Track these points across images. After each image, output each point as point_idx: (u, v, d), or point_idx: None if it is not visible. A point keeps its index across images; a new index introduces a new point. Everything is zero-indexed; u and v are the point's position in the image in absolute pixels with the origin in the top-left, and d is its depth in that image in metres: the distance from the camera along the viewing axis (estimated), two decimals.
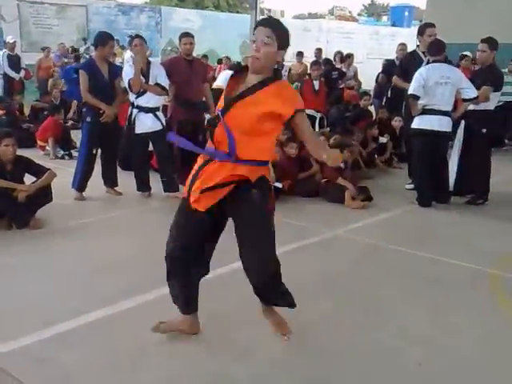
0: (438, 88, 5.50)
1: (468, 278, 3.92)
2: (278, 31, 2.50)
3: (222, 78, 8.89)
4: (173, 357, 2.76)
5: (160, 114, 5.74)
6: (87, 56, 12.85)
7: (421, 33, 6.35)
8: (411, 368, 2.72)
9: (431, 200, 5.76)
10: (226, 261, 3.61)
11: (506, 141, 9.53)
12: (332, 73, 10.12)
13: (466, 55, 9.02)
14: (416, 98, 5.56)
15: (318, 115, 7.97)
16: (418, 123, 5.67)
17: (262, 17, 18.88)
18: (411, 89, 5.59)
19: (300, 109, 2.54)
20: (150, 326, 2.91)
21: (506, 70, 9.04)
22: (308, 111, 7.89)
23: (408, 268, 4.07)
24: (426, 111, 5.59)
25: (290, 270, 2.94)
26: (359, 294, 3.56)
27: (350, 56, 11.35)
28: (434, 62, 5.67)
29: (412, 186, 6.22)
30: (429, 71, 5.59)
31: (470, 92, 5.55)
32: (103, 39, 5.53)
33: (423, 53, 6.16)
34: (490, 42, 5.81)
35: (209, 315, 3.02)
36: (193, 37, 6.10)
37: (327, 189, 5.88)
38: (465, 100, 5.62)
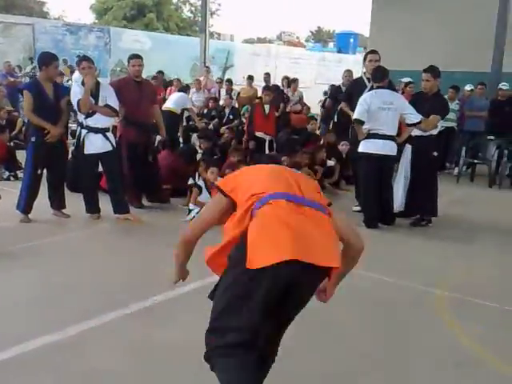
0: (381, 113, 5.69)
1: (414, 298, 4.04)
2: None
3: (174, 100, 8.95)
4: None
5: (110, 134, 5.67)
6: (33, 75, 12.57)
7: (364, 59, 6.63)
8: None
9: (377, 221, 5.92)
10: None
11: (447, 164, 9.93)
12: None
13: (411, 82, 9.39)
14: (361, 122, 5.74)
15: (268, 138, 8.10)
16: (363, 147, 5.85)
17: (210, 41, 19.11)
18: (356, 114, 5.77)
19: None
20: (96, 352, 2.84)
21: (446, 96, 9.47)
22: (258, 134, 8.09)
23: (355, 288, 4.14)
24: (370, 135, 5.76)
25: None
26: (304, 315, 3.59)
27: (295, 81, 11.62)
28: (377, 88, 5.90)
29: (359, 208, 6.38)
30: (372, 97, 5.79)
31: (413, 117, 5.76)
32: (47, 60, 5.43)
33: (368, 79, 6.39)
34: (433, 70, 6.05)
35: None
36: (142, 58, 6.13)
37: None
38: (409, 125, 5.85)
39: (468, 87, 10.11)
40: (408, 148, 6.12)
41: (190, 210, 5.84)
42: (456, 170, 9.28)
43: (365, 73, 6.69)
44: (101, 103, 5.53)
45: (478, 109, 9.75)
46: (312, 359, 3.01)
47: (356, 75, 9.15)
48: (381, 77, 5.93)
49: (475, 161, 9.24)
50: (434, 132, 6.11)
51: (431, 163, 6.10)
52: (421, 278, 4.37)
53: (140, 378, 2.76)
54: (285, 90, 11.16)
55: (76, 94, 5.49)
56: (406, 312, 3.74)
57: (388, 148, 5.75)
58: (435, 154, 6.07)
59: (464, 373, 2.96)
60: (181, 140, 9.85)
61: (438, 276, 4.45)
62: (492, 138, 9.09)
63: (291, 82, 11.53)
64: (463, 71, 10.50)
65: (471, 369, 3.00)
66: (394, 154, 5.83)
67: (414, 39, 13.12)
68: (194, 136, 10.90)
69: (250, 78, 12.89)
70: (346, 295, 3.97)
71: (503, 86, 9.67)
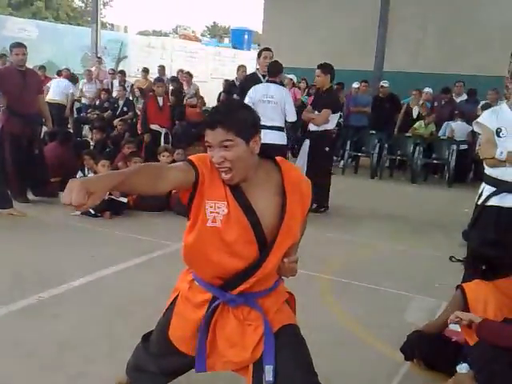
0: (260, 105, 5.89)
1: (299, 283, 4.24)
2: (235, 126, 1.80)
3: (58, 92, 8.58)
4: None
5: None
6: None
7: (258, 55, 6.82)
8: None
9: None
10: None
11: (334, 157, 10.44)
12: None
13: (304, 78, 9.81)
14: None
15: (164, 130, 8.05)
16: None
17: (103, 31, 18.51)
18: None
19: None
20: None
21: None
22: (153, 126, 8.01)
23: None
24: None
25: (133, 286, 2.95)
26: None
27: (190, 75, 11.65)
28: (269, 81, 6.14)
29: None
30: (255, 90, 6.09)
31: (289, 116, 6.13)
32: None
33: (263, 75, 6.59)
34: (324, 67, 6.36)
35: None
36: (25, 47, 5.87)
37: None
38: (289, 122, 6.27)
39: (355, 84, 10.67)
40: (306, 141, 6.45)
41: None
42: (342, 163, 9.80)
43: (258, 69, 6.88)
44: None
45: (361, 105, 10.35)
46: None
47: (250, 71, 9.34)
48: (276, 71, 6.20)
49: (359, 154, 9.83)
50: (329, 127, 6.41)
51: (324, 157, 6.42)
52: (307, 264, 4.58)
53: (16, 378, 2.68)
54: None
55: None
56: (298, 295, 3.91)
57: (269, 137, 6.00)
58: (326, 149, 6.39)
59: (344, 351, 3.17)
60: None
61: (323, 262, 4.70)
62: (374, 132, 9.71)
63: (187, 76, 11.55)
64: (349, 69, 11.06)
65: (350, 347, 3.22)
66: (278, 142, 5.97)
67: (303, 38, 13.60)
68: (86, 128, 10.59)
69: (146, 70, 12.74)
70: None
71: (384, 83, 10.33)
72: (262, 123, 6.39)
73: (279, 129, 6.08)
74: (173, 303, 2.08)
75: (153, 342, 2.20)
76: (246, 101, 5.88)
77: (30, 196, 6.12)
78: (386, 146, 9.42)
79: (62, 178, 6.51)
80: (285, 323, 1.96)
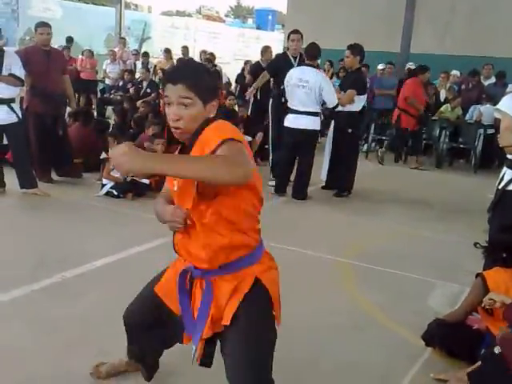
0: (295, 89, 5.96)
1: (320, 266, 4.22)
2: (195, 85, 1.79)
3: None
4: None
5: (15, 105, 5.41)
6: None
7: (288, 38, 6.78)
8: None
9: (284, 188, 6.27)
10: None
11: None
12: None
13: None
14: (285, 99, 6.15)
15: None
16: (284, 121, 6.18)
17: (126, 11, 18.49)
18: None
19: None
20: None
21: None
22: None
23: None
24: (289, 110, 6.08)
25: (155, 266, 2.96)
26: None
27: (213, 56, 11.58)
28: (306, 65, 6.11)
29: (274, 182, 6.54)
30: (289, 74, 6.05)
31: (328, 102, 6.08)
32: None
33: (293, 57, 6.52)
34: (354, 48, 6.27)
35: None
36: (50, 27, 5.89)
37: None
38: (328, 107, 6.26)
39: (380, 66, 10.49)
40: (332, 123, 6.43)
41: (102, 185, 5.73)
42: (365, 147, 9.66)
43: (288, 50, 6.79)
44: (5, 72, 5.25)
45: (387, 87, 10.18)
46: None
47: (274, 52, 9.20)
48: (313, 55, 6.17)
49: (383, 137, 9.67)
50: (355, 108, 6.32)
51: (348, 139, 6.35)
52: (328, 247, 4.56)
53: (45, 353, 2.72)
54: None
55: None
56: (311, 279, 3.89)
57: (299, 122, 5.99)
58: (349, 130, 6.32)
59: (364, 336, 3.16)
60: (95, 113, 9.58)
61: (345, 246, 4.67)
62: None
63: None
64: (374, 51, 10.86)
65: (370, 332, 3.20)
66: (308, 128, 6.01)
67: (328, 18, 13.39)
68: (109, 109, 10.65)
69: (168, 51, 12.68)
70: None
71: (410, 65, 10.13)
72: (295, 108, 6.46)
73: (312, 114, 6.03)
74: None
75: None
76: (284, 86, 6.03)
77: (54, 176, 6.19)
78: None
79: (85, 159, 6.57)
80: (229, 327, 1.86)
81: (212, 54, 11.68)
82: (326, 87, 6.00)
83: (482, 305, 2.71)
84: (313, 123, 6.05)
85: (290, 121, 6.05)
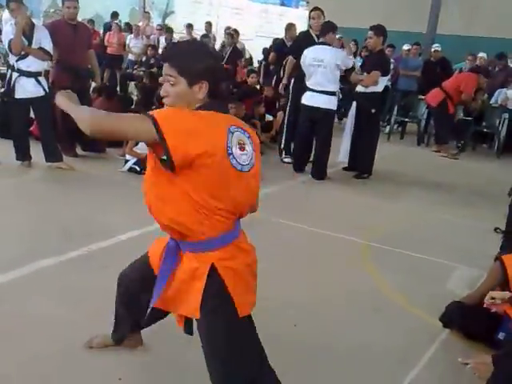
0: (310, 69, 6.01)
1: (339, 247, 4.26)
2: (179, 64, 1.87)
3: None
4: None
5: (42, 79, 5.48)
6: None
7: (309, 16, 6.71)
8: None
9: (304, 165, 6.34)
10: None
11: (380, 122, 10.22)
12: None
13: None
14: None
15: None
16: (302, 99, 6.20)
17: None
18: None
19: None
20: (29, 297, 2.85)
21: None
22: None
23: (279, 236, 4.28)
24: (306, 88, 6.10)
25: None
26: None
27: (237, 32, 11.50)
28: (320, 43, 6.08)
29: (289, 159, 6.66)
30: (304, 54, 6.08)
31: (345, 66, 6.13)
32: None
33: (316, 35, 6.46)
34: (376, 28, 6.21)
35: None
36: (77, 0, 5.87)
37: None
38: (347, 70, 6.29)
39: (406, 47, 10.33)
40: (354, 104, 6.38)
41: (126, 161, 5.80)
42: (387, 128, 9.59)
43: (311, 27, 6.74)
44: (34, 46, 5.31)
45: (411, 68, 10.04)
46: None
47: (299, 30, 9.11)
48: (325, 31, 6.12)
49: (406, 119, 9.57)
50: (377, 89, 6.29)
51: (370, 120, 6.32)
52: (347, 228, 4.59)
53: (75, 322, 2.81)
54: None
55: (8, 33, 5.25)
56: (330, 260, 3.93)
57: (317, 101, 6.01)
58: (373, 110, 6.28)
59: (382, 317, 3.20)
60: (118, 88, 9.62)
61: (365, 228, 4.69)
62: (423, 97, 9.36)
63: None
64: (399, 31, 10.69)
65: (388, 313, 3.24)
66: (326, 107, 6.01)
67: None
68: (132, 85, 10.68)
69: (190, 26, 12.63)
70: (269, 243, 4.07)
71: (437, 47, 9.97)
72: (312, 87, 6.45)
73: (328, 93, 6.03)
74: None
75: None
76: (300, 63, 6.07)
77: (79, 151, 6.28)
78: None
79: None
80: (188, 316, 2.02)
81: (236, 31, 11.59)
82: (340, 56, 6.11)
83: (484, 305, 2.72)
84: (329, 102, 6.04)
85: (307, 98, 6.11)
